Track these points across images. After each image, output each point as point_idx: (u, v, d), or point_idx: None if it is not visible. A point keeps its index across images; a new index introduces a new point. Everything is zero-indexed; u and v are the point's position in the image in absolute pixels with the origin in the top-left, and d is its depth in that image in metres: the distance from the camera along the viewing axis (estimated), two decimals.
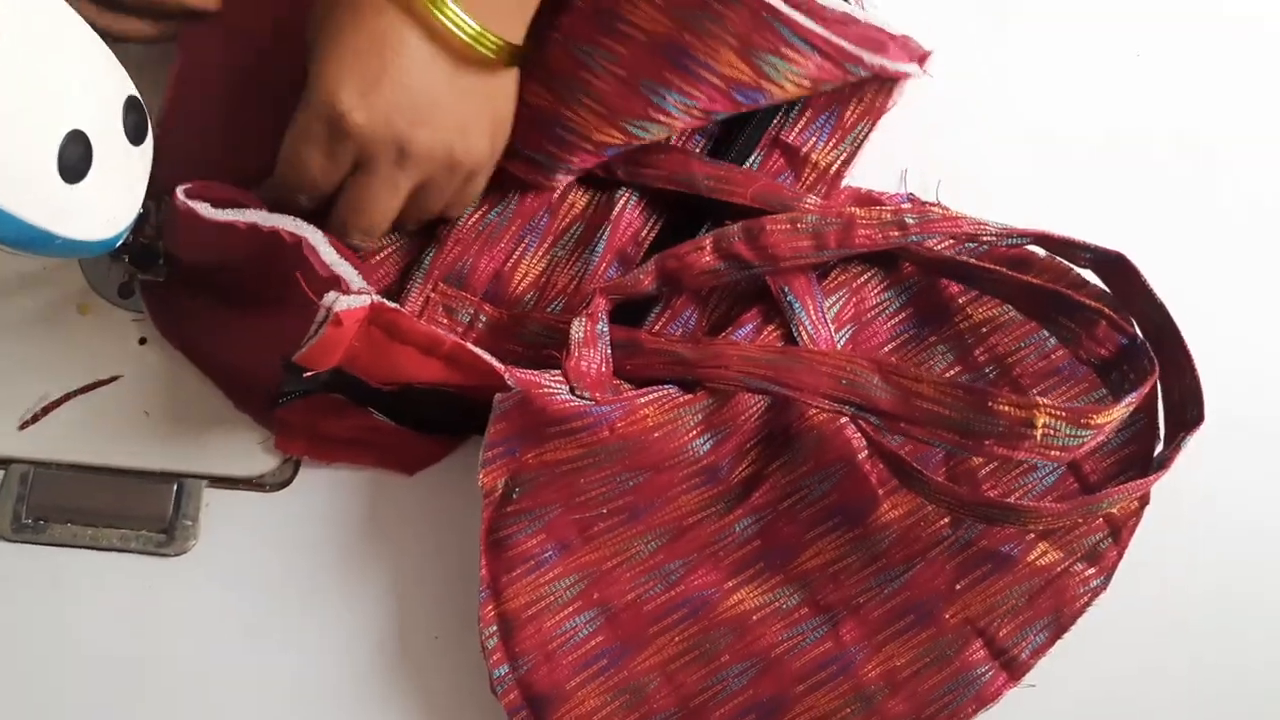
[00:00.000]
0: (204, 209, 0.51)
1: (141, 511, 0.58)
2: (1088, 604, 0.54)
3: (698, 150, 0.58)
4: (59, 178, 0.45)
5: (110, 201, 0.49)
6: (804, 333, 0.55)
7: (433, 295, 0.58)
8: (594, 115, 0.54)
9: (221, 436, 0.59)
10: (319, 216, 0.53)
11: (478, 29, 0.51)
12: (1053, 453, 0.49)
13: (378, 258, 0.58)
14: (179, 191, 0.51)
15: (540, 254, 0.58)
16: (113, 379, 0.59)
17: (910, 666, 0.53)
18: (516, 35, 0.53)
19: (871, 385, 0.51)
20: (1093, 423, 0.49)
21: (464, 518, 0.57)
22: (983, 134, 0.61)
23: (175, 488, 0.58)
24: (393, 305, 0.49)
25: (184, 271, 0.56)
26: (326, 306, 0.47)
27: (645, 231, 0.58)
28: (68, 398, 0.59)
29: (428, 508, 0.58)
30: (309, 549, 0.58)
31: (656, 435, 0.53)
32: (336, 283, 0.49)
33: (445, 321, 0.57)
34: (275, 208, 0.53)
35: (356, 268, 0.51)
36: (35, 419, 0.58)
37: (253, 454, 0.58)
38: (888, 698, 0.53)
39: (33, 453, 0.58)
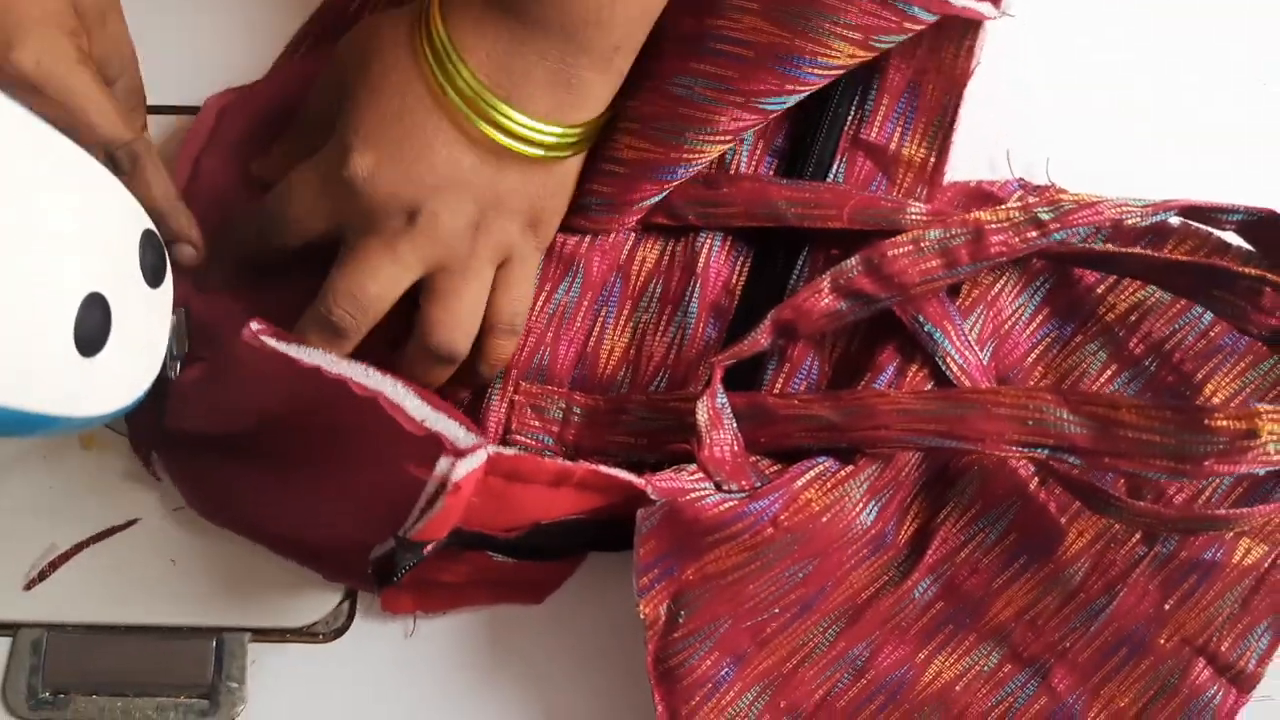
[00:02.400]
0: (274, 342, 0.43)
1: (178, 675, 0.50)
2: None
3: (770, 173, 0.52)
4: (75, 354, 0.37)
5: (133, 362, 0.41)
6: (953, 365, 0.48)
7: (516, 398, 0.50)
8: (713, 145, 0.48)
9: (262, 581, 0.51)
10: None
11: (538, 130, 0.46)
12: (1275, 457, 0.44)
13: None
14: (251, 325, 0.44)
15: (622, 325, 0.51)
16: (129, 523, 0.51)
17: (1135, 704, 0.48)
18: (586, 116, 0.47)
19: (1062, 421, 0.45)
20: None
21: (583, 640, 0.50)
22: (1077, 95, 0.54)
23: (214, 645, 0.50)
24: (511, 451, 0.42)
25: (212, 441, 0.49)
26: (442, 477, 0.40)
27: (735, 278, 0.51)
28: (79, 548, 0.50)
29: (528, 639, 0.50)
30: (377, 705, 0.50)
31: (825, 520, 0.47)
32: (435, 442, 0.41)
33: (537, 424, 0.50)
34: (251, 251, 0.48)
35: (447, 411, 0.43)
36: (43, 576, 0.50)
37: (301, 598, 0.51)
38: None
39: (44, 615, 0.50)
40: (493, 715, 0.51)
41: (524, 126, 0.45)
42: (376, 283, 0.46)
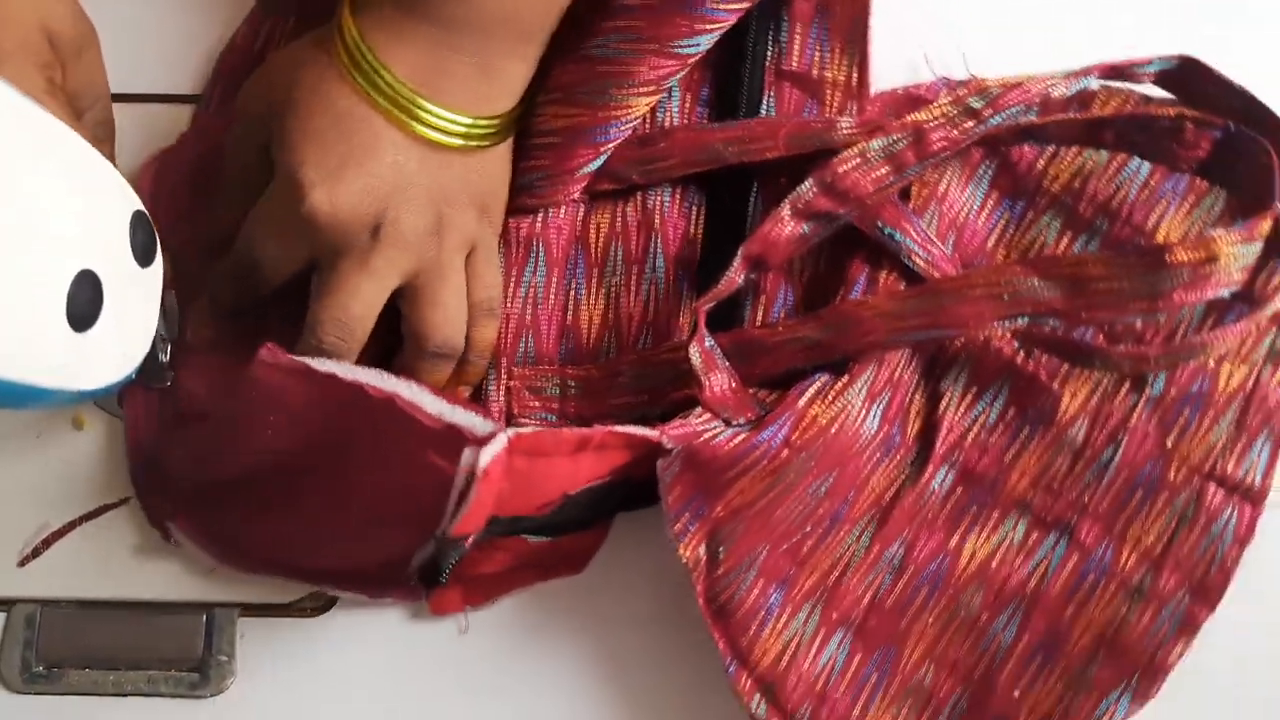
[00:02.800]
0: (292, 360, 0.45)
1: (169, 649, 0.51)
2: None
3: (705, 121, 0.53)
4: (67, 329, 0.39)
5: (124, 338, 0.43)
6: (919, 261, 0.50)
7: (512, 384, 0.52)
8: (638, 98, 0.50)
9: None
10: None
11: (468, 124, 0.47)
12: (1235, 276, 0.46)
13: None
14: (264, 351, 0.45)
15: (595, 293, 0.53)
16: (121, 502, 0.52)
17: (1161, 539, 0.50)
18: (510, 102, 0.49)
19: (1035, 288, 0.47)
20: (1260, 231, 0.46)
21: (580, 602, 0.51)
22: None
23: (205, 619, 0.51)
24: (527, 429, 0.44)
25: (232, 493, 0.50)
26: (469, 468, 0.42)
27: (692, 228, 0.53)
28: (72, 526, 0.52)
29: (513, 606, 0.51)
30: (365, 677, 0.51)
31: (834, 432, 0.48)
32: (456, 434, 0.43)
33: (537, 404, 0.52)
34: (231, 303, 0.50)
35: (462, 405, 0.45)
36: (36, 553, 0.51)
37: None
38: (1155, 578, 0.50)
39: (38, 591, 0.51)
40: (486, 687, 0.51)
41: (454, 122, 0.47)
42: (359, 302, 0.47)
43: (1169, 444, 0.51)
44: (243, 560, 0.50)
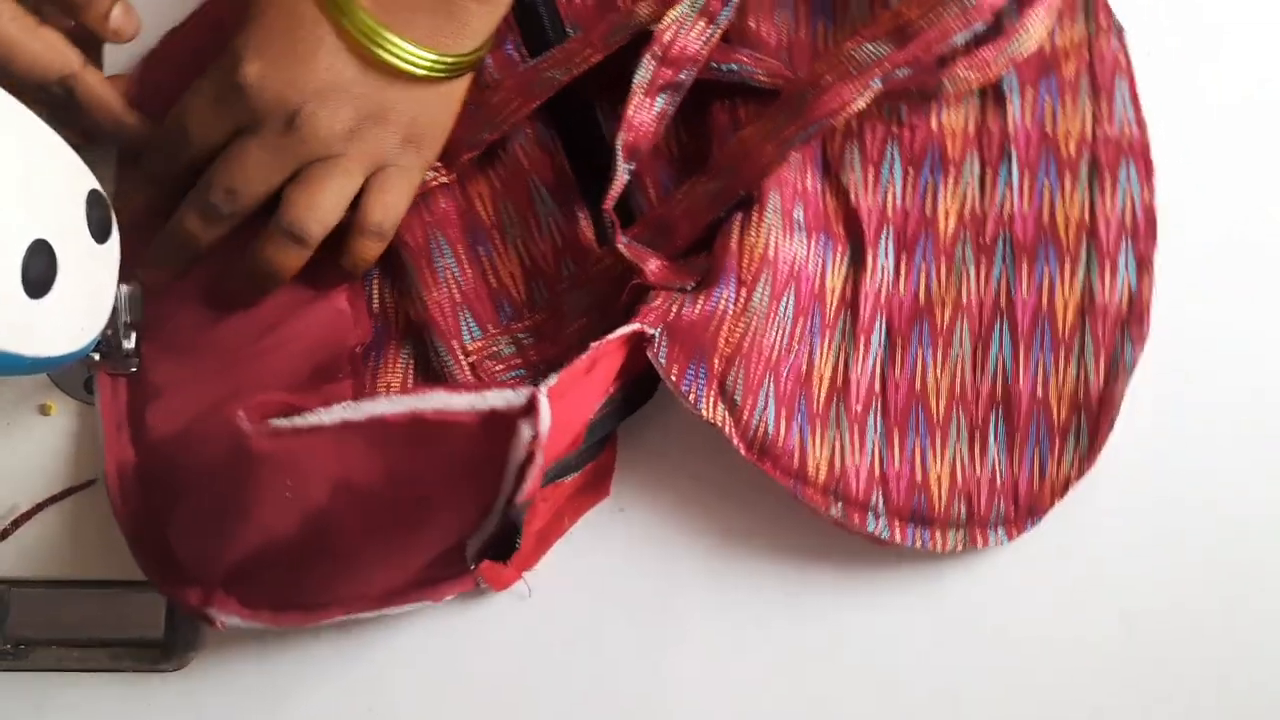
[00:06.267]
0: (284, 422, 0.45)
1: (133, 626, 0.53)
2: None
3: (521, 60, 0.56)
4: (23, 294, 0.41)
5: (80, 310, 0.45)
6: (764, 80, 0.53)
7: (470, 359, 0.53)
8: None
9: None
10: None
11: (412, 53, 0.49)
12: None
13: (396, 372, 0.54)
14: (241, 417, 0.46)
15: (506, 252, 0.55)
16: (88, 484, 0.53)
17: (1085, 210, 0.53)
18: (473, 44, 0.51)
19: (872, 51, 0.50)
20: None
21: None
22: None
23: (167, 598, 0.53)
24: (548, 380, 0.45)
25: (266, 558, 0.50)
26: (531, 442, 0.43)
27: (557, 158, 0.55)
28: (39, 508, 0.53)
29: None
30: (322, 651, 0.53)
31: (771, 254, 0.51)
32: (498, 417, 0.44)
33: (501, 367, 0.54)
34: (153, 171, 0.51)
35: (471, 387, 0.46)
36: (5, 534, 0.53)
37: None
38: (1096, 242, 0.53)
39: (6, 571, 0.53)
40: (446, 648, 0.53)
41: (402, 50, 0.49)
42: (254, 175, 0.49)
43: (1049, 130, 0.55)
44: (305, 615, 0.51)
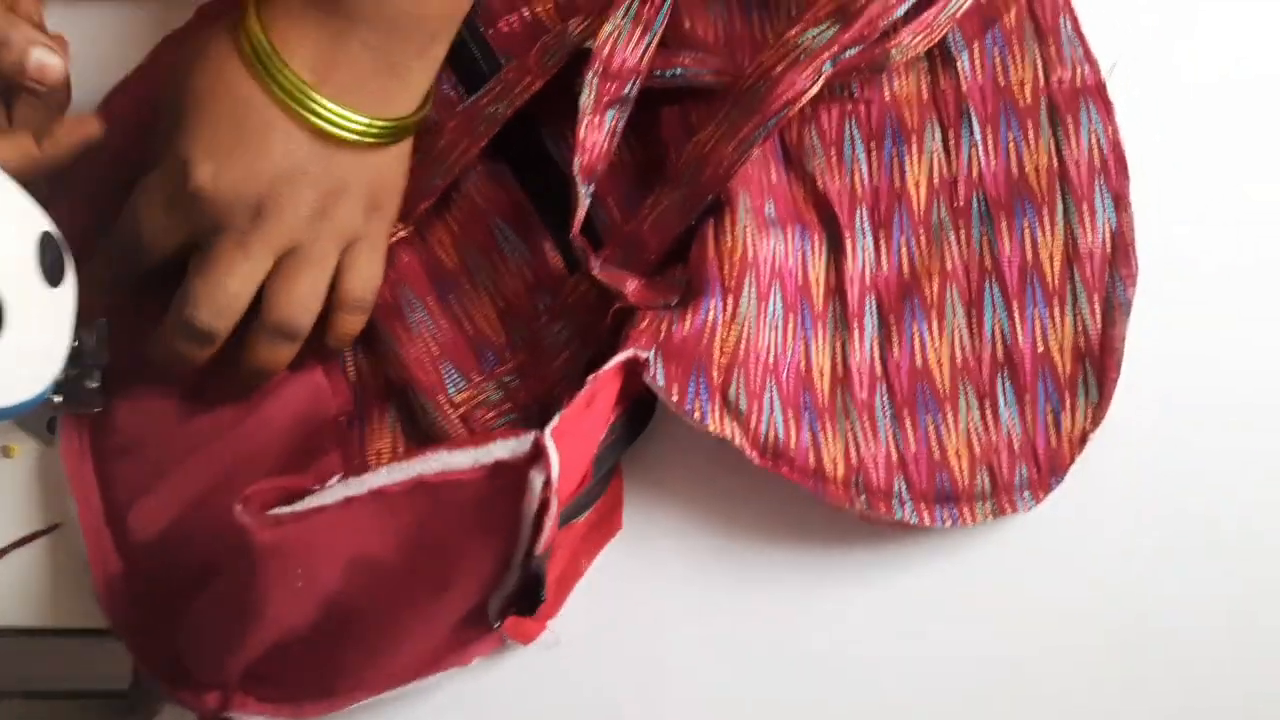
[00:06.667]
0: (287, 509, 0.43)
1: (99, 677, 0.51)
2: None
3: (459, 99, 0.54)
4: None
5: (32, 359, 0.44)
6: (709, 79, 0.51)
7: (459, 411, 0.52)
8: None
9: None
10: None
11: (364, 123, 0.47)
12: None
13: (385, 436, 0.52)
14: (240, 511, 0.44)
15: (477, 295, 0.54)
16: (52, 528, 0.53)
17: (1053, 155, 0.52)
18: (411, 105, 0.49)
19: (816, 36, 0.49)
20: None
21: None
22: None
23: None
24: (550, 422, 0.44)
25: (283, 651, 0.48)
26: (543, 494, 0.42)
27: (513, 192, 0.54)
28: (3, 553, 0.52)
29: None
30: None
31: (750, 255, 0.49)
32: (504, 468, 0.43)
33: (492, 414, 0.52)
34: (112, 278, 0.49)
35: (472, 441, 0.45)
36: None
37: None
38: (1067, 183, 0.52)
39: None
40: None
41: (350, 119, 0.47)
42: (234, 280, 0.47)
43: (1003, 82, 0.54)
44: (329, 703, 0.49)
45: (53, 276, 0.44)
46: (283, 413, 0.52)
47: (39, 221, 0.44)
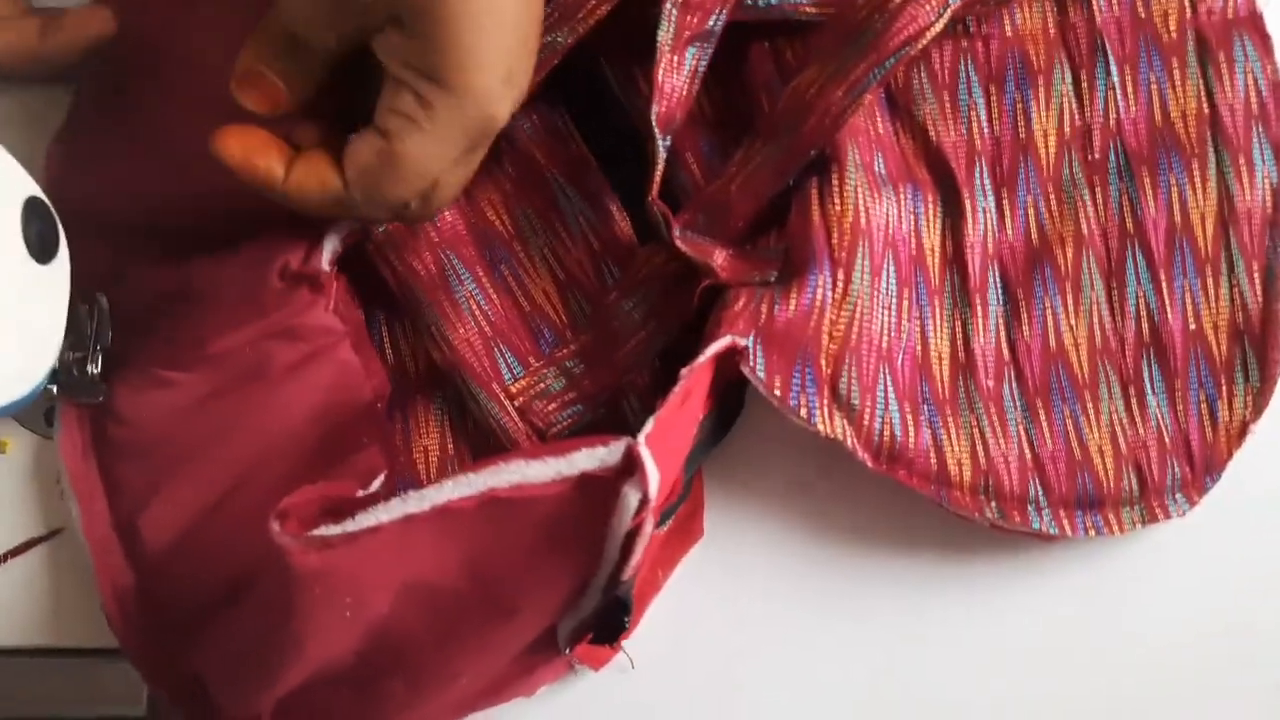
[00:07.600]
0: (335, 529, 0.37)
1: (113, 699, 0.47)
2: None
3: None
4: None
5: (20, 350, 0.38)
6: (810, 9, 0.44)
7: (515, 402, 0.45)
8: None
9: None
10: None
11: None
12: None
13: (432, 432, 0.46)
14: (278, 531, 0.37)
15: (532, 265, 0.47)
16: (53, 534, 0.48)
17: (1203, 99, 0.45)
18: None
19: None
20: None
21: None
22: None
23: None
24: (644, 427, 0.37)
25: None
26: (639, 514, 0.36)
27: (571, 143, 0.47)
28: None
29: None
30: None
31: (863, 221, 0.42)
32: (591, 480, 0.37)
33: (554, 406, 0.46)
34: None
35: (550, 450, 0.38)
36: None
37: None
38: (1220, 132, 0.45)
39: None
40: None
41: None
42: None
43: (1143, 14, 0.46)
44: None
45: (41, 251, 0.38)
46: (306, 397, 0.45)
47: (25, 183, 0.38)
